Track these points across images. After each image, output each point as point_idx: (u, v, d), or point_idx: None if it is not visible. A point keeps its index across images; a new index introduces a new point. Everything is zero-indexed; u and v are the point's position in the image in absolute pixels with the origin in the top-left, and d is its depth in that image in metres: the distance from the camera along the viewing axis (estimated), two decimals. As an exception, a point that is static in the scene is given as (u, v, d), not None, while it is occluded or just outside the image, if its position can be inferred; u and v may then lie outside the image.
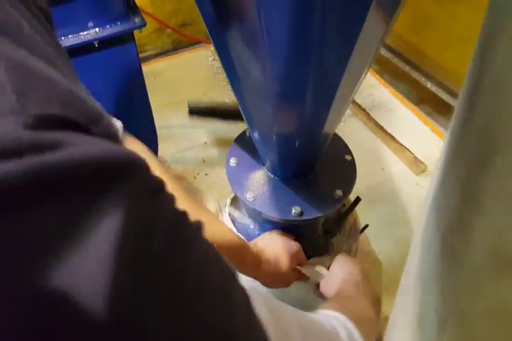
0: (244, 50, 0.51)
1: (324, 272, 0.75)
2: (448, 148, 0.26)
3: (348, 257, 0.75)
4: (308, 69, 0.50)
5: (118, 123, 0.48)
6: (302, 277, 0.75)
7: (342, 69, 0.50)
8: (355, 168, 0.80)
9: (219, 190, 1.75)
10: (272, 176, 0.80)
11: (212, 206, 1.70)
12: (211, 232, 0.61)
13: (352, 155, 0.82)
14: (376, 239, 0.92)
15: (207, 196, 1.75)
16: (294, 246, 0.75)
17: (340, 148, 0.83)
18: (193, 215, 0.24)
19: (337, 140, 0.84)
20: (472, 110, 0.23)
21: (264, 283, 0.71)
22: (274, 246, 0.73)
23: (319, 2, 0.39)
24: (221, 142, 1.96)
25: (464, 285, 0.24)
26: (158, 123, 1.17)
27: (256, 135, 0.72)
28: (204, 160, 1.89)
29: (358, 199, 0.80)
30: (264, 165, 0.81)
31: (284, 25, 0.43)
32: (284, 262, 0.71)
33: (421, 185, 1.80)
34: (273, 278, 0.70)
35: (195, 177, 1.82)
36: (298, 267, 0.74)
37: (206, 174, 1.83)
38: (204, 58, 2.40)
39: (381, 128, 2.01)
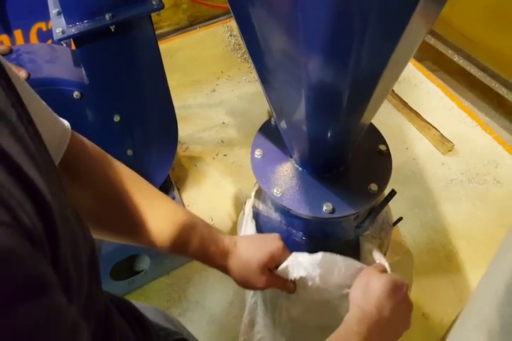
0: (276, 34, 0.45)
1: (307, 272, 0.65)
2: None
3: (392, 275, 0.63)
4: (349, 56, 0.44)
5: (65, 124, 0.52)
6: (279, 282, 0.67)
7: (386, 59, 0.45)
8: (391, 160, 0.74)
9: (238, 171, 1.73)
10: (300, 169, 0.74)
11: (231, 188, 1.68)
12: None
13: (387, 145, 0.76)
14: (401, 222, 0.87)
15: (226, 177, 1.72)
16: (274, 245, 0.66)
17: (374, 136, 0.77)
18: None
19: (369, 127, 0.78)
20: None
21: (235, 279, 0.65)
22: (250, 241, 0.67)
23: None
24: (239, 122, 1.91)
25: None
26: (175, 103, 1.15)
27: (283, 125, 0.67)
28: (223, 141, 1.85)
29: (392, 193, 0.75)
30: (291, 157, 0.75)
31: (326, 11, 0.38)
32: (255, 258, 0.63)
33: (448, 165, 1.73)
34: (242, 274, 0.64)
35: (213, 158, 1.79)
36: (276, 270, 0.66)
37: (225, 155, 1.80)
38: (221, 34, 2.34)
39: (405, 104, 1.93)
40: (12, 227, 0.23)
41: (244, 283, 0.65)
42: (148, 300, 1.40)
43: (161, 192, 0.62)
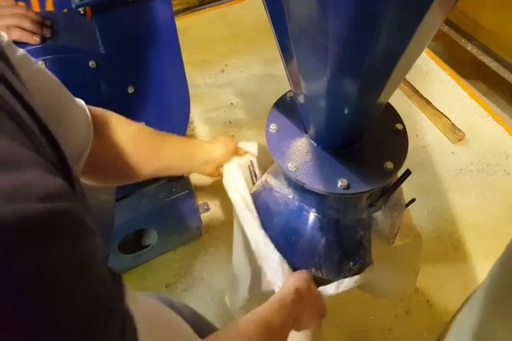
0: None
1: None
2: None
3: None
4: (373, 33, 0.43)
5: (81, 102, 0.58)
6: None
7: (409, 36, 0.43)
8: (407, 139, 0.74)
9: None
10: (315, 145, 0.74)
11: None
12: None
13: (403, 125, 0.75)
14: (408, 209, 0.88)
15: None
16: (232, 146, 0.91)
17: (390, 115, 0.76)
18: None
19: (387, 107, 0.77)
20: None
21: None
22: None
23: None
24: (248, 104, 1.90)
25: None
26: (184, 81, 1.15)
27: (301, 99, 0.66)
28: (230, 122, 1.84)
29: (407, 173, 0.74)
30: (306, 132, 0.75)
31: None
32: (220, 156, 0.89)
33: (457, 154, 1.72)
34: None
35: (221, 138, 1.78)
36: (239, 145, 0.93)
37: (232, 136, 1.78)
38: (231, 14, 2.32)
39: (416, 91, 1.91)
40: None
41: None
42: (154, 275, 1.41)
43: (162, 135, 0.84)
